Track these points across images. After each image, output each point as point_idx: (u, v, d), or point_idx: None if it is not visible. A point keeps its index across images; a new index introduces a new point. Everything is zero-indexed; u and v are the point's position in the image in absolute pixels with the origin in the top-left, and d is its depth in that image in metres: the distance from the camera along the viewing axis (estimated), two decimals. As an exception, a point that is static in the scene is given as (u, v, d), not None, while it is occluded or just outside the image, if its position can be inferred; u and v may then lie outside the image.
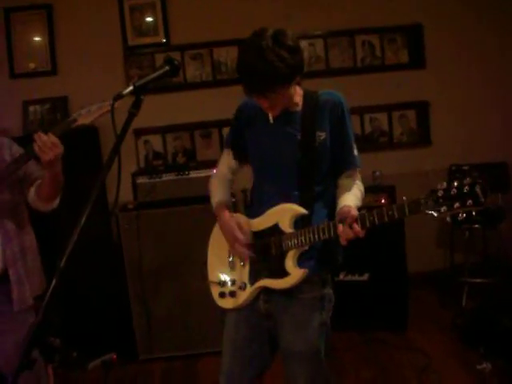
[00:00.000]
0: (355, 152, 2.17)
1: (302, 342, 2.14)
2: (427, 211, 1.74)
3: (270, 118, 2.10)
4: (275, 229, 2.10)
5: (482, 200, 1.66)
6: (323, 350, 2.18)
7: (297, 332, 2.14)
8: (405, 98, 4.81)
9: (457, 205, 1.69)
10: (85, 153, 4.09)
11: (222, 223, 2.23)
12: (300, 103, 2.12)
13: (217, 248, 2.32)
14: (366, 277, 4.04)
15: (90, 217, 1.50)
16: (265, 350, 2.23)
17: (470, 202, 1.67)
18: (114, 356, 3.91)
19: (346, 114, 2.13)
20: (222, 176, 2.35)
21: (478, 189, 1.66)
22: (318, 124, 2.08)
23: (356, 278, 4.05)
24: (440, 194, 1.71)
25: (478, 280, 4.38)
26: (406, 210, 1.79)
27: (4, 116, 4.60)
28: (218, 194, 2.30)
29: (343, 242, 1.92)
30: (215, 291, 2.28)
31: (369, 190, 4.02)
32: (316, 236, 1.99)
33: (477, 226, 4.39)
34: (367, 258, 4.01)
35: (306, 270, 2.04)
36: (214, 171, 2.40)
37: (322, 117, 2.09)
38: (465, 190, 1.68)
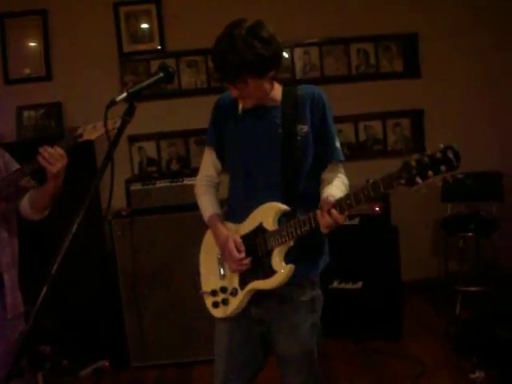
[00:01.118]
0: (337, 144, 2.16)
1: (295, 344, 2.15)
2: (401, 184, 1.70)
3: (239, 108, 2.10)
4: (260, 229, 2.09)
5: (456, 164, 1.62)
6: (316, 350, 2.20)
7: (290, 335, 2.15)
8: (399, 106, 4.82)
9: (430, 173, 1.63)
10: (79, 159, 4.06)
11: (218, 240, 2.20)
12: (279, 99, 2.12)
13: (207, 258, 2.31)
14: (359, 285, 4.03)
15: (83, 223, 1.50)
16: (258, 354, 2.24)
17: (443, 167, 1.62)
18: (107, 363, 3.91)
19: (327, 107, 2.13)
20: (208, 182, 2.30)
21: (450, 154, 1.61)
22: (299, 117, 2.08)
23: (350, 286, 4.04)
24: (413, 164, 1.66)
25: (472, 289, 4.38)
26: (381, 186, 1.75)
27: (-3, 121, 4.59)
28: (208, 206, 2.27)
29: (323, 229, 1.90)
30: (208, 302, 2.26)
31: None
32: (298, 229, 1.97)
33: (471, 234, 4.39)
34: (361, 266, 4.01)
35: (293, 266, 2.02)
36: (199, 175, 2.34)
37: (303, 110, 2.09)
38: (437, 157, 1.63)
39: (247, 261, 2.09)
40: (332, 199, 1.87)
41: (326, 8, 4.71)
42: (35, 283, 2.37)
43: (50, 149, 2.16)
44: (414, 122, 4.87)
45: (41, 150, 2.17)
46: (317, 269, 2.19)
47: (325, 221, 1.87)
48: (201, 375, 3.72)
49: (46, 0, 4.65)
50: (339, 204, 1.85)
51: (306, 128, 2.08)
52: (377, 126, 4.86)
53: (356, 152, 4.82)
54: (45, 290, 1.37)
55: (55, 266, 1.38)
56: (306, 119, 2.09)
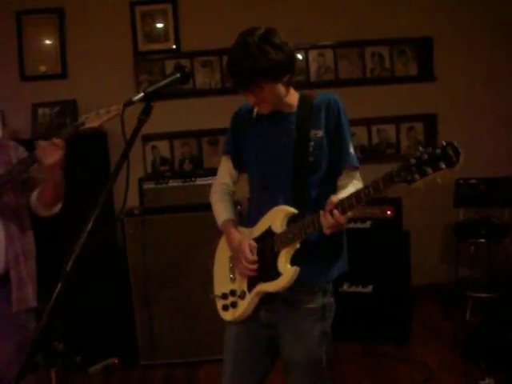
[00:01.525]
0: (351, 150, 2.15)
1: (303, 352, 2.14)
2: (400, 181, 1.68)
3: (255, 112, 2.12)
4: (269, 232, 2.10)
5: (454, 159, 1.59)
6: (324, 358, 2.18)
7: (298, 342, 2.13)
8: (413, 110, 4.81)
9: (429, 170, 1.62)
10: (93, 157, 4.11)
11: (231, 244, 2.20)
12: (295, 105, 2.13)
13: (220, 264, 2.33)
14: (369, 289, 4.03)
15: (97, 222, 1.51)
16: (265, 359, 2.24)
17: (442, 164, 1.60)
18: (116, 361, 3.93)
19: (342, 113, 2.13)
20: (223, 190, 2.33)
21: (449, 150, 1.59)
22: (313, 123, 2.09)
23: (360, 289, 4.04)
24: (412, 162, 1.65)
25: (483, 295, 4.36)
26: (381, 185, 1.74)
27: (13, 118, 4.63)
28: (222, 212, 2.28)
29: (325, 229, 1.89)
30: (219, 305, 2.27)
31: (375, 201, 4.02)
32: (302, 230, 1.98)
33: (482, 240, 4.38)
34: (371, 270, 4.00)
35: (298, 268, 2.01)
36: (214, 182, 2.37)
37: (318, 116, 2.10)
38: (436, 153, 1.61)
39: (255, 266, 2.10)
40: (335, 200, 1.88)
41: (341, 11, 4.71)
42: (48, 280, 2.41)
43: (43, 142, 2.15)
44: (427, 126, 4.86)
45: (36, 142, 2.17)
46: (329, 275, 2.17)
47: (326, 221, 1.87)
48: (208, 374, 3.73)
49: (63, -2, 4.69)
50: (341, 204, 1.86)
51: (320, 133, 2.08)
52: (390, 129, 4.86)
53: (369, 155, 4.81)
54: (59, 286, 1.38)
55: (70, 264, 1.39)
56: (320, 124, 2.09)
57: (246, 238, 2.16)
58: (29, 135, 4.50)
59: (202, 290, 2.44)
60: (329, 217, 1.86)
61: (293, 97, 2.15)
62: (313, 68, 4.77)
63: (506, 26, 4.74)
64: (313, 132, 2.08)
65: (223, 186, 2.33)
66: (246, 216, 2.32)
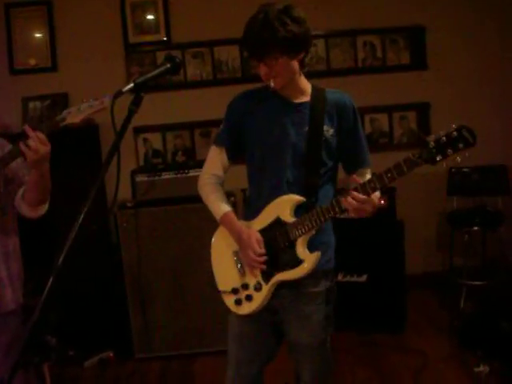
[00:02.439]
0: (367, 150, 2.24)
1: (307, 335, 2.18)
2: (424, 163, 1.82)
3: (270, 84, 2.06)
4: (278, 222, 2.10)
5: (472, 141, 1.77)
6: (328, 340, 2.23)
7: (303, 326, 2.17)
8: (406, 99, 4.80)
9: (449, 151, 1.77)
10: (84, 150, 4.09)
11: (239, 237, 2.16)
12: (308, 94, 2.14)
13: (221, 257, 2.28)
14: (364, 278, 4.04)
15: (88, 214, 1.49)
16: (271, 341, 2.27)
17: (461, 145, 1.76)
18: (111, 354, 3.92)
19: (357, 115, 2.18)
20: (214, 181, 2.28)
21: (464, 132, 1.77)
22: (326, 119, 2.10)
23: (354, 278, 4.05)
24: (431, 145, 1.80)
25: (477, 282, 4.37)
26: (405, 168, 1.85)
27: (4, 112, 4.59)
28: (220, 204, 2.23)
29: (352, 213, 1.94)
30: (229, 300, 2.23)
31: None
32: (322, 217, 2.01)
33: (476, 228, 4.38)
34: (366, 259, 4.01)
35: (319, 253, 2.05)
36: (203, 173, 2.31)
37: (330, 113, 2.11)
38: (453, 135, 1.77)
39: (264, 258, 2.09)
40: (358, 180, 1.94)
41: (333, 0, 4.69)
42: (40, 274, 2.37)
43: (31, 132, 2.00)
44: (420, 115, 4.85)
45: (25, 129, 2.02)
46: (330, 260, 2.21)
47: (350, 204, 1.91)
48: (204, 367, 3.72)
49: (52, -10, 4.65)
50: (362, 187, 1.90)
51: (332, 131, 2.11)
52: (383, 118, 4.84)
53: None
54: (51, 281, 1.37)
55: (61, 258, 1.37)
56: (332, 123, 2.12)
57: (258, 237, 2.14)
58: (19, 129, 4.45)
59: (209, 286, 2.38)
60: (351, 200, 1.90)
61: (306, 84, 2.16)
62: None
63: (499, 14, 4.73)
64: (325, 128, 2.10)
65: (215, 176, 2.28)
66: (245, 210, 2.30)
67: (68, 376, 3.73)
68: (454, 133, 1.77)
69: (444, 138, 1.78)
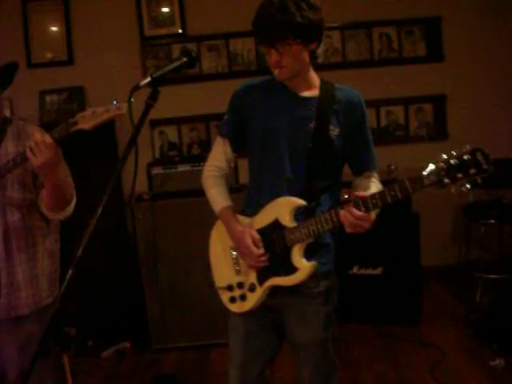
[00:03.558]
0: (374, 151, 2.16)
1: (308, 334, 2.15)
2: (430, 186, 1.69)
3: (276, 72, 1.99)
4: (276, 224, 2.04)
5: (486, 167, 1.59)
6: (329, 338, 2.20)
7: (304, 326, 2.15)
8: (422, 91, 4.77)
9: (460, 175, 1.62)
10: (100, 142, 4.10)
11: (233, 235, 2.13)
12: (317, 89, 2.07)
13: (218, 252, 2.26)
14: (379, 270, 4.03)
15: (106, 207, 1.50)
16: (272, 339, 2.25)
17: (472, 170, 1.60)
18: (128, 345, 3.96)
19: (366, 115, 2.10)
20: (217, 174, 2.23)
21: (479, 156, 1.59)
22: (333, 117, 2.03)
23: (370, 271, 4.04)
24: (441, 166, 1.65)
25: (493, 276, 4.34)
26: (409, 189, 1.73)
27: (21, 106, 4.63)
28: (220, 198, 2.20)
29: (347, 229, 1.87)
30: (225, 297, 2.22)
31: (384, 183, 4.00)
32: (319, 227, 1.94)
33: (492, 221, 4.35)
34: (381, 252, 4.00)
35: (315, 263, 2.00)
36: (207, 165, 2.26)
37: (338, 112, 2.04)
38: (465, 159, 1.61)
39: (265, 257, 2.05)
40: (360, 195, 1.86)
41: (349, -8, 4.67)
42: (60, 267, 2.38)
43: (38, 137, 1.88)
44: (436, 107, 4.82)
45: (31, 136, 1.91)
46: (330, 262, 2.16)
47: (346, 219, 1.84)
48: (220, 357, 3.75)
49: (68, -16, 4.67)
50: (364, 203, 1.83)
51: (337, 131, 2.03)
52: (399, 111, 4.82)
53: (377, 137, 4.75)
54: (70, 272, 1.39)
55: (80, 249, 1.39)
56: (339, 122, 2.04)
57: (247, 228, 2.10)
58: (37, 123, 4.50)
59: (206, 281, 2.37)
60: (348, 215, 1.83)
61: (314, 78, 2.09)
62: (320, 50, 4.69)
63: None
64: (331, 127, 2.02)
65: (218, 169, 2.23)
66: (245, 203, 2.24)
67: (86, 367, 3.78)
68: (467, 156, 1.61)
69: (455, 161, 1.62)
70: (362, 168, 2.17)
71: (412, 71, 4.76)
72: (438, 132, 4.82)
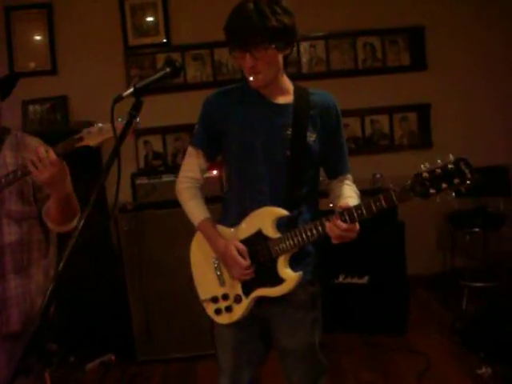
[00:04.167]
0: (347, 156, 2.17)
1: (296, 341, 2.14)
2: (415, 196, 1.70)
3: (251, 79, 1.95)
4: (259, 235, 2.01)
5: (469, 176, 1.61)
6: (317, 342, 2.18)
7: (291, 332, 2.13)
8: (406, 100, 4.80)
9: (444, 185, 1.65)
10: (84, 153, 4.06)
11: (216, 248, 2.11)
12: (290, 94, 2.05)
13: (200, 264, 2.23)
14: (365, 279, 4.03)
15: (89, 218, 1.48)
16: (259, 347, 2.23)
17: (456, 180, 1.63)
18: (113, 357, 3.92)
19: (340, 117, 2.09)
20: (193, 184, 2.18)
21: (462, 166, 1.61)
22: (310, 123, 2.01)
23: (356, 280, 4.04)
24: (425, 176, 1.66)
25: (479, 284, 4.36)
26: (395, 199, 1.74)
27: (3, 115, 4.57)
28: (198, 211, 2.16)
29: (334, 240, 1.87)
30: (210, 309, 2.19)
31: (368, 192, 4.00)
32: (304, 237, 1.93)
33: (477, 229, 4.37)
34: (367, 261, 4.00)
35: (301, 273, 1.99)
36: (181, 176, 2.21)
37: (314, 117, 2.02)
38: (449, 169, 1.63)
39: (251, 269, 2.03)
40: (345, 206, 1.85)
41: (333, 1, 4.68)
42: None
43: (42, 152, 1.87)
44: (421, 116, 4.85)
45: (34, 151, 1.89)
46: (314, 269, 2.14)
47: (332, 231, 1.84)
48: (206, 369, 3.72)
49: (52, -7, 4.65)
50: (349, 213, 1.82)
51: (314, 137, 2.01)
52: (383, 120, 4.84)
53: (362, 146, 4.80)
54: (51, 287, 1.36)
55: (62, 263, 1.36)
56: (315, 127, 2.02)
57: (230, 239, 2.07)
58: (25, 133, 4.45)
59: (189, 290, 2.35)
60: (333, 226, 1.83)
61: (288, 84, 2.07)
62: (304, 59, 4.75)
63: (500, 12, 4.73)
64: (308, 133, 2.00)
65: (192, 180, 2.18)
66: (223, 212, 2.21)
67: (70, 380, 3.73)
68: (451, 165, 1.63)
69: (439, 171, 1.64)
70: (337, 172, 2.16)
71: (396, 80, 4.79)
72: (423, 140, 4.84)
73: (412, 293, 4.25)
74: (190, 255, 2.28)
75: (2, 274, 2.06)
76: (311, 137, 2.01)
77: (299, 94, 2.05)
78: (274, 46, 1.88)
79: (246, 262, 2.02)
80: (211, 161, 2.18)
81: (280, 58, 1.96)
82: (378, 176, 4.35)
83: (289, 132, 2.00)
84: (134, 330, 3.89)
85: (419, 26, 4.77)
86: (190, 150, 2.19)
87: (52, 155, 1.87)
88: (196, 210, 2.16)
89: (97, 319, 3.93)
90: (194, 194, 2.18)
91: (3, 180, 2.00)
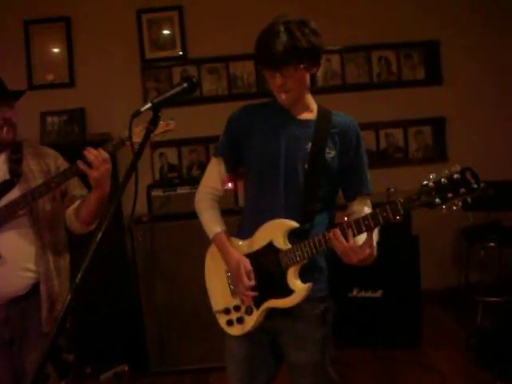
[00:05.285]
0: (368, 177, 2.18)
1: (305, 356, 2.14)
2: (421, 206, 1.72)
3: (282, 98, 2.01)
4: (270, 247, 2.05)
5: (475, 186, 1.62)
6: (327, 359, 2.17)
7: (301, 347, 2.13)
8: (421, 114, 4.80)
9: (450, 195, 1.65)
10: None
11: (229, 263, 2.14)
12: (314, 112, 2.11)
13: (214, 276, 2.26)
14: (379, 293, 4.01)
15: (105, 231, 1.50)
16: (269, 362, 2.23)
17: (462, 190, 1.63)
18: (126, 368, 3.93)
19: (361, 138, 2.13)
20: (212, 194, 2.24)
21: (468, 175, 1.63)
22: (330, 140, 2.05)
23: (369, 294, 4.02)
24: (431, 186, 1.68)
25: (493, 299, 4.33)
26: (401, 209, 1.75)
27: (22, 127, 4.63)
28: (214, 222, 2.21)
29: (343, 258, 1.88)
30: (222, 320, 2.22)
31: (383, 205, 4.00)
32: (313, 249, 1.95)
33: (492, 244, 4.35)
34: (381, 275, 3.98)
35: (310, 284, 2.00)
36: (201, 187, 2.27)
37: (334, 136, 2.07)
38: (455, 178, 1.64)
39: (254, 292, 2.06)
40: (348, 218, 1.90)
41: (348, 15, 4.71)
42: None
43: (94, 151, 2.05)
44: (435, 129, 4.84)
45: (85, 152, 2.06)
46: (325, 286, 2.16)
47: (340, 244, 1.85)
48: (219, 381, 3.72)
49: (70, 7, 4.72)
50: (357, 225, 1.84)
51: (333, 154, 2.05)
52: (398, 133, 4.84)
53: (377, 160, 4.80)
54: (69, 298, 1.38)
55: (80, 275, 1.39)
56: (334, 145, 2.06)
57: (241, 251, 2.11)
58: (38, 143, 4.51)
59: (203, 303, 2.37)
60: (335, 241, 1.85)
61: (312, 102, 2.13)
62: (319, 73, 4.73)
63: (514, 28, 4.73)
64: (327, 150, 2.04)
65: (212, 190, 2.24)
66: (240, 224, 2.25)
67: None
68: (457, 175, 1.64)
69: (445, 180, 1.65)
70: (356, 191, 2.17)
71: (411, 94, 4.79)
72: (438, 154, 4.83)
73: (426, 307, 4.22)
74: (204, 266, 2.31)
75: (46, 272, 2.23)
76: (330, 153, 2.05)
77: (322, 112, 2.11)
78: (303, 66, 1.95)
79: (249, 283, 2.05)
80: (231, 172, 2.23)
81: (308, 77, 2.03)
82: (392, 190, 4.35)
83: (308, 146, 2.04)
84: (148, 341, 3.91)
85: (434, 40, 4.77)
86: (213, 159, 2.26)
87: (104, 153, 2.06)
88: (211, 222, 2.21)
89: (111, 330, 3.95)
90: (211, 206, 2.24)
91: (52, 181, 2.16)
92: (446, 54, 4.79)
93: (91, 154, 2.05)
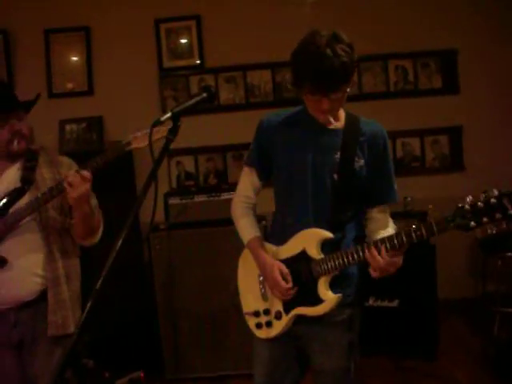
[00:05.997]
0: (395, 186, 2.18)
1: (331, 362, 2.15)
2: (455, 228, 1.72)
3: (326, 119, 2.02)
4: (303, 255, 2.07)
5: (511, 213, 1.61)
6: (353, 367, 2.18)
7: (327, 353, 2.15)
8: (438, 123, 4.79)
9: (485, 219, 1.65)
10: (119, 174, 4.14)
11: (262, 267, 2.17)
12: (342, 121, 2.10)
13: (246, 278, 2.30)
14: (395, 303, 4.00)
15: (124, 239, 1.51)
16: (295, 367, 2.25)
17: (498, 215, 1.62)
18: (142, 374, 3.93)
19: (387, 147, 2.13)
20: (246, 203, 2.28)
21: (505, 201, 1.61)
22: (358, 149, 2.06)
23: (386, 303, 4.01)
24: (467, 208, 1.68)
25: (510, 310, 4.28)
26: (435, 229, 1.76)
27: (41, 135, 4.68)
28: (249, 228, 2.25)
29: (373, 273, 1.91)
30: (251, 322, 2.25)
31: (400, 215, 3.99)
32: (345, 260, 1.97)
33: (510, 254, 4.31)
34: (397, 284, 3.96)
35: (341, 295, 2.03)
36: (236, 195, 2.32)
37: (362, 143, 2.07)
38: (492, 203, 1.63)
39: (292, 291, 2.08)
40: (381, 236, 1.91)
41: (365, 24, 4.71)
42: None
43: (75, 175, 2.09)
44: (452, 139, 4.83)
45: (69, 173, 2.12)
46: (354, 292, 2.17)
47: (370, 260, 1.88)
48: (234, 389, 3.73)
49: (90, 17, 4.78)
50: (390, 241, 1.86)
51: (362, 162, 2.05)
52: (415, 142, 4.83)
53: (394, 169, 4.78)
54: (89, 304, 1.40)
55: (100, 282, 1.41)
56: (363, 154, 2.06)
57: (274, 257, 2.14)
58: (56, 152, 4.56)
59: (231, 304, 2.41)
60: (369, 256, 1.88)
61: (340, 111, 2.12)
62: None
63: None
64: (356, 159, 2.05)
65: (246, 199, 2.28)
66: (270, 230, 2.30)
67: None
68: (493, 200, 1.63)
69: (481, 204, 1.65)
70: (380, 200, 2.17)
71: (428, 103, 4.78)
72: (454, 163, 4.81)
73: (442, 317, 4.19)
74: (237, 270, 2.35)
75: (55, 278, 2.29)
76: (359, 162, 2.05)
77: (350, 120, 2.11)
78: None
79: (287, 286, 2.07)
80: (264, 179, 2.26)
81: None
82: (409, 199, 4.34)
83: (337, 156, 2.05)
84: (164, 348, 3.92)
85: (451, 49, 4.77)
86: (245, 168, 2.29)
87: (85, 173, 2.10)
88: (246, 228, 2.25)
89: (127, 336, 3.97)
90: (246, 213, 2.28)
91: (43, 198, 2.20)
92: (462, 63, 4.78)
93: (70, 175, 2.10)
